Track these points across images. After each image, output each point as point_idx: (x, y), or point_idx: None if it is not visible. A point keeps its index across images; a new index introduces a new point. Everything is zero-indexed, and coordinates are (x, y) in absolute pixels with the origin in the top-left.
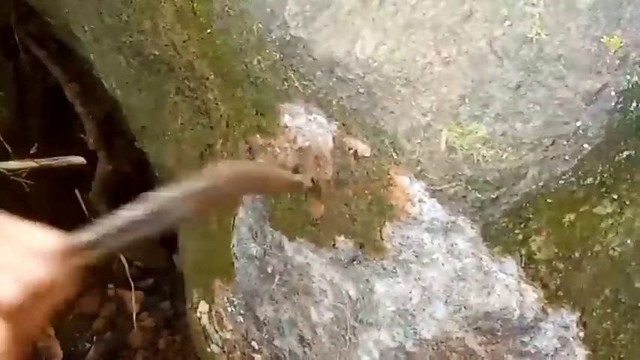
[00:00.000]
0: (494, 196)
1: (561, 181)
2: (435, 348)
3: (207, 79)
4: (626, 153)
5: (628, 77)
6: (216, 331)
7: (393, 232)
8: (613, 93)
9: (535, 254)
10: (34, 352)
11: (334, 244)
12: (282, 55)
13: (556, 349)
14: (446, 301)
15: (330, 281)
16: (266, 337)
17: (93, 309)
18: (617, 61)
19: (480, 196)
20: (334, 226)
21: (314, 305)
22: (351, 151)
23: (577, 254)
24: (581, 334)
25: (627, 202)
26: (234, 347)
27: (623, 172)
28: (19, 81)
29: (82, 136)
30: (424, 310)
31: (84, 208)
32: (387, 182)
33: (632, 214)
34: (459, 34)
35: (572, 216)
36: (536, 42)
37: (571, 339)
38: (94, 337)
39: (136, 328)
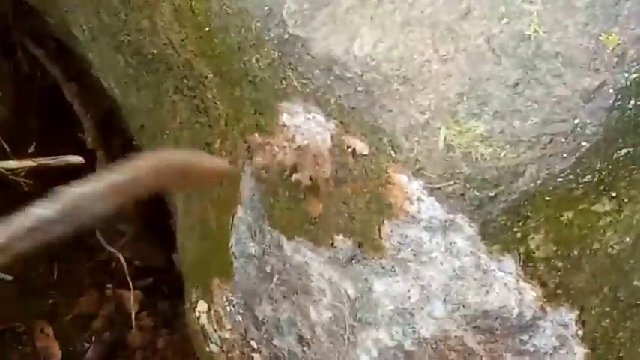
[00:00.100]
0: (492, 194)
1: (559, 179)
2: (434, 347)
3: (206, 77)
4: (624, 151)
5: (626, 75)
6: (215, 331)
7: (391, 231)
8: (611, 90)
9: (534, 252)
10: (32, 352)
11: (333, 243)
12: (280, 54)
13: (555, 347)
14: (444, 300)
15: (328, 280)
16: (265, 336)
17: (91, 309)
18: (615, 59)
19: (478, 194)
20: (333, 224)
21: (313, 304)
22: (350, 150)
23: (575, 252)
24: (580, 332)
25: (626, 200)
26: (233, 346)
27: (621, 169)
28: (18, 80)
29: (80, 135)
30: (423, 308)
31: None
32: (385, 181)
33: (631, 211)
34: (457, 31)
35: (570, 214)
36: (534, 39)
37: (570, 337)
38: (93, 337)
39: (134, 327)
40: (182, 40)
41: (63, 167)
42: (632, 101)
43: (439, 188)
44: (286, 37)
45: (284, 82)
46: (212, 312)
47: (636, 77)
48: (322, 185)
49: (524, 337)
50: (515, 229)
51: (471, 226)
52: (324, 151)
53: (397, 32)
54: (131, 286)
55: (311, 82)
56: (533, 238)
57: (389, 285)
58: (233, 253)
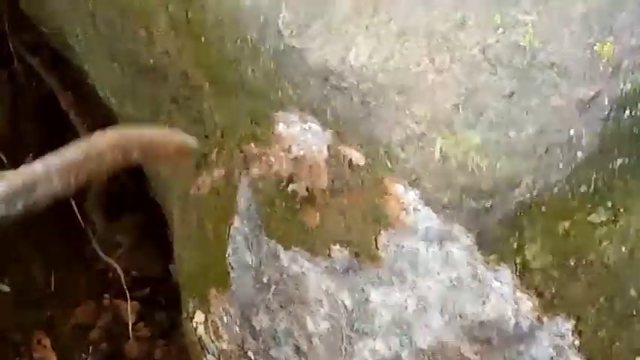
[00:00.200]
0: (488, 205)
1: (555, 190)
2: (431, 357)
3: (202, 87)
4: (619, 161)
5: (621, 85)
6: (212, 341)
7: (388, 241)
8: (606, 101)
9: (530, 263)
10: None
11: (329, 254)
12: (276, 64)
13: (552, 357)
14: (441, 310)
15: (325, 291)
16: (262, 347)
17: (89, 319)
18: (610, 69)
19: (474, 204)
20: (329, 235)
21: (310, 315)
22: (346, 160)
23: (572, 262)
24: (577, 342)
25: (621, 210)
26: (230, 357)
27: (617, 180)
28: (14, 90)
29: None
30: (420, 319)
31: (79, 218)
32: (381, 191)
33: (626, 222)
34: (453, 41)
35: (566, 224)
36: (530, 50)
37: (566, 347)
38: (90, 348)
39: (132, 338)
40: (178, 50)
41: None
42: (627, 112)
43: (435, 198)
44: (282, 47)
45: (280, 92)
46: (209, 322)
47: (631, 88)
48: (319, 195)
49: (521, 348)
50: (511, 240)
51: (467, 237)
52: (321, 161)
53: (393, 42)
54: (128, 297)
55: (307, 92)
56: (529, 248)
57: (386, 295)
58: (230, 263)
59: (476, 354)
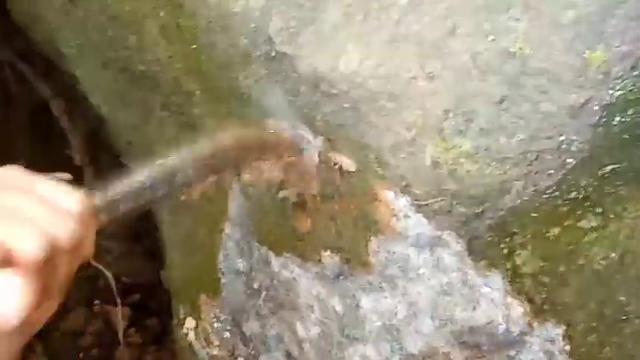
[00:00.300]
0: (479, 211)
1: (545, 196)
2: None
3: (193, 94)
4: (609, 167)
5: (611, 92)
6: (203, 347)
7: (378, 247)
8: (596, 107)
9: (520, 268)
10: None
11: (320, 260)
12: (267, 71)
13: None
14: (432, 316)
15: (316, 296)
16: (253, 352)
17: (79, 325)
18: (601, 76)
19: (464, 210)
20: (320, 241)
21: (300, 320)
22: (337, 166)
23: (562, 268)
24: (567, 347)
25: (611, 216)
26: None
27: (607, 186)
28: (5, 97)
29: (68, 152)
30: (410, 324)
31: None
32: (372, 197)
33: (616, 227)
34: (443, 48)
35: (556, 230)
36: (520, 56)
37: (557, 353)
38: (81, 354)
39: (122, 344)
40: (169, 57)
41: None
42: (618, 118)
43: (426, 205)
44: (273, 54)
45: (271, 98)
46: (200, 328)
47: (621, 94)
48: (309, 202)
49: (512, 353)
50: (501, 245)
51: (457, 242)
52: (311, 167)
53: (383, 49)
54: (119, 303)
55: (297, 99)
56: (519, 254)
57: (376, 301)
58: (221, 269)
59: (466, 359)
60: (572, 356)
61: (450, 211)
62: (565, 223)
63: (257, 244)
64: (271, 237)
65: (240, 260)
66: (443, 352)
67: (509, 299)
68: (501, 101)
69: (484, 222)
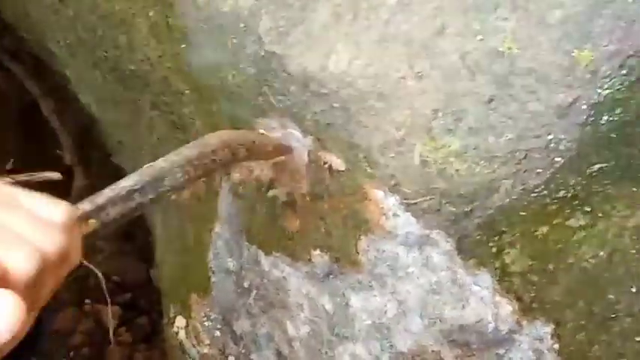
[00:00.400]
0: (467, 210)
1: (534, 194)
2: None
3: (183, 94)
4: (597, 166)
5: (599, 91)
6: (194, 346)
7: (368, 246)
8: (584, 106)
9: (509, 267)
10: None
11: (310, 259)
12: (256, 70)
13: None
14: (421, 315)
15: (306, 295)
16: (243, 351)
17: (70, 325)
18: (588, 75)
19: (453, 209)
20: (310, 240)
21: (290, 319)
22: (326, 166)
23: (551, 267)
24: (556, 346)
25: (600, 215)
26: None
27: (595, 184)
28: None
29: (58, 151)
30: (399, 323)
31: None
32: (361, 196)
33: (605, 226)
34: (432, 48)
35: (545, 229)
36: (508, 56)
37: (546, 351)
38: (72, 353)
39: (113, 343)
40: (159, 57)
41: (41, 183)
42: (605, 117)
43: (415, 204)
44: (262, 53)
45: (260, 98)
46: (190, 327)
47: (609, 93)
48: (299, 201)
49: (501, 351)
50: (490, 244)
51: (447, 241)
52: (301, 167)
53: (372, 49)
54: (109, 302)
55: (287, 99)
56: (508, 252)
57: (366, 300)
58: (211, 268)
59: (456, 358)
60: (561, 355)
61: (439, 210)
62: (554, 222)
63: (247, 243)
64: (261, 236)
65: (230, 259)
66: (432, 351)
67: (498, 298)
68: (490, 101)
69: (473, 221)
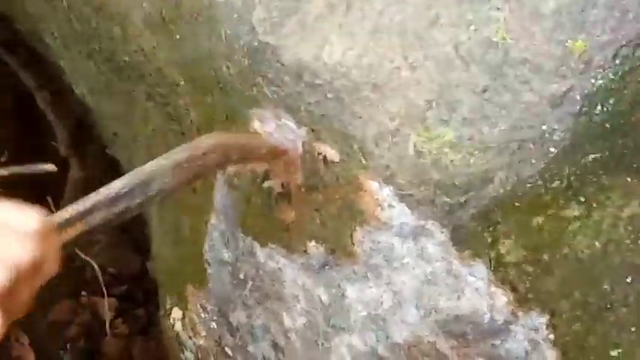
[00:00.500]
0: (462, 200)
1: (528, 185)
2: (407, 352)
3: (178, 85)
4: (592, 156)
5: (592, 81)
6: (190, 338)
7: (363, 237)
8: (578, 96)
9: (504, 257)
10: None
11: (305, 250)
12: (250, 61)
13: (527, 351)
14: (417, 305)
15: (302, 286)
16: (239, 343)
17: (66, 317)
18: (582, 65)
19: (448, 200)
20: (305, 231)
21: (286, 311)
22: (321, 157)
23: (546, 257)
24: (551, 336)
25: (594, 205)
26: (208, 353)
27: (589, 174)
28: None
29: (53, 143)
30: (395, 314)
31: None
32: (356, 187)
33: (600, 216)
34: (426, 39)
35: (540, 219)
36: (502, 46)
37: (541, 341)
38: (68, 345)
39: (109, 335)
40: (153, 48)
41: (36, 175)
42: (599, 107)
43: (410, 194)
44: (256, 44)
45: (254, 89)
46: (187, 319)
47: (602, 83)
48: (294, 192)
49: (496, 342)
50: (485, 235)
51: (441, 232)
52: (296, 157)
53: (366, 39)
54: (105, 294)
55: (281, 90)
56: (503, 243)
57: (361, 291)
58: (207, 259)
59: (451, 348)
60: (556, 345)
61: (433, 201)
62: (548, 212)
63: (242, 234)
64: (256, 227)
65: (226, 251)
66: (428, 341)
67: (493, 288)
68: (484, 91)
69: (468, 211)
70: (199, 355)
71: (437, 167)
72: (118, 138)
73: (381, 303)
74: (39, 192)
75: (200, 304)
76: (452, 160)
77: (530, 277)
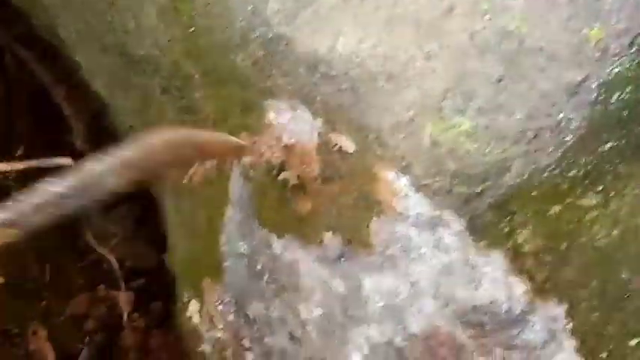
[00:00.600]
0: (479, 190)
1: (545, 174)
2: (424, 342)
3: (193, 78)
4: (609, 144)
5: (609, 69)
6: (208, 330)
7: (379, 228)
8: (594, 85)
9: (521, 247)
10: (26, 354)
11: (322, 241)
12: (265, 53)
13: (545, 341)
14: (434, 296)
15: (318, 278)
16: (257, 335)
17: (83, 310)
18: (598, 53)
19: (464, 189)
20: (321, 222)
21: (303, 302)
22: (336, 147)
23: (563, 246)
24: (570, 326)
25: (612, 194)
26: (226, 346)
27: (606, 163)
28: (5, 83)
29: (69, 137)
30: (412, 304)
31: None
32: (372, 178)
33: (617, 205)
34: (441, 28)
35: (557, 208)
36: (517, 35)
37: (559, 331)
38: (86, 339)
39: (127, 328)
40: (168, 41)
41: (52, 169)
42: (616, 95)
43: (426, 184)
44: (270, 35)
45: (269, 80)
46: (204, 312)
47: (619, 71)
48: (310, 183)
49: (514, 332)
50: (502, 224)
51: (458, 222)
52: (311, 149)
53: (381, 30)
54: (123, 287)
55: (296, 81)
56: (520, 232)
57: (378, 281)
58: (223, 252)
59: (469, 338)
60: (574, 334)
61: (450, 191)
62: (566, 201)
63: (258, 226)
64: (272, 219)
65: (242, 243)
66: (445, 332)
67: (511, 278)
68: (499, 80)
69: (484, 201)
70: (217, 348)
71: (453, 157)
72: (133, 131)
73: (398, 293)
74: None
75: (217, 297)
76: (468, 150)
77: (547, 267)
